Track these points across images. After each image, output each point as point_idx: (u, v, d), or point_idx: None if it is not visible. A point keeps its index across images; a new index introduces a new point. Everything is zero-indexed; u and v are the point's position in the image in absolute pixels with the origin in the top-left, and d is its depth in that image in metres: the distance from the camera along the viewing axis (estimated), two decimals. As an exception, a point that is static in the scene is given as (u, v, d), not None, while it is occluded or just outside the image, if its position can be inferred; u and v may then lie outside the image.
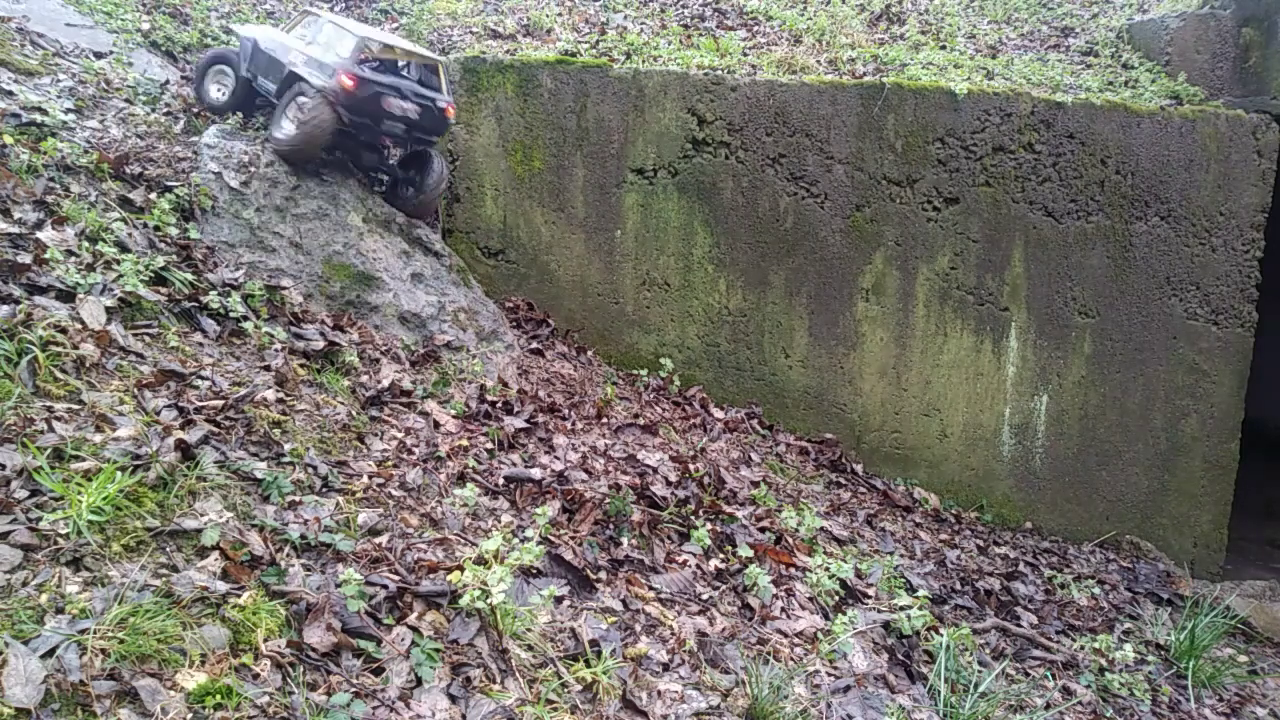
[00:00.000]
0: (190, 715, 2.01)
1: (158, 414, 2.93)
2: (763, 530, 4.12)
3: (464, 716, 2.39)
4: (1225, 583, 6.06)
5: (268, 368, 3.58)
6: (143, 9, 6.15)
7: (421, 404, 3.97)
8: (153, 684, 2.04)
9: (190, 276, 3.83)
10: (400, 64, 4.71)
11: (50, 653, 1.98)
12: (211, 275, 3.96)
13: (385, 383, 3.93)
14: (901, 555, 4.80)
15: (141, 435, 2.76)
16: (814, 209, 5.83)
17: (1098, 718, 3.96)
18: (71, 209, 3.72)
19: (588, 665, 2.75)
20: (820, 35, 6.73)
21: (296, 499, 2.92)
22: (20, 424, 2.58)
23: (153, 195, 4.19)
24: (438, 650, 2.55)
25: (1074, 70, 6.85)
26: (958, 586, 4.75)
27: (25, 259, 3.27)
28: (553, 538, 3.33)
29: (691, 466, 4.34)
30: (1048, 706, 3.84)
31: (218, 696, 2.08)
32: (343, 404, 3.65)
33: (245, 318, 3.80)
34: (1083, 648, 4.48)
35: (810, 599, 3.76)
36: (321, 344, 3.93)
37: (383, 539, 2.93)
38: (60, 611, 2.10)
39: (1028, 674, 4.12)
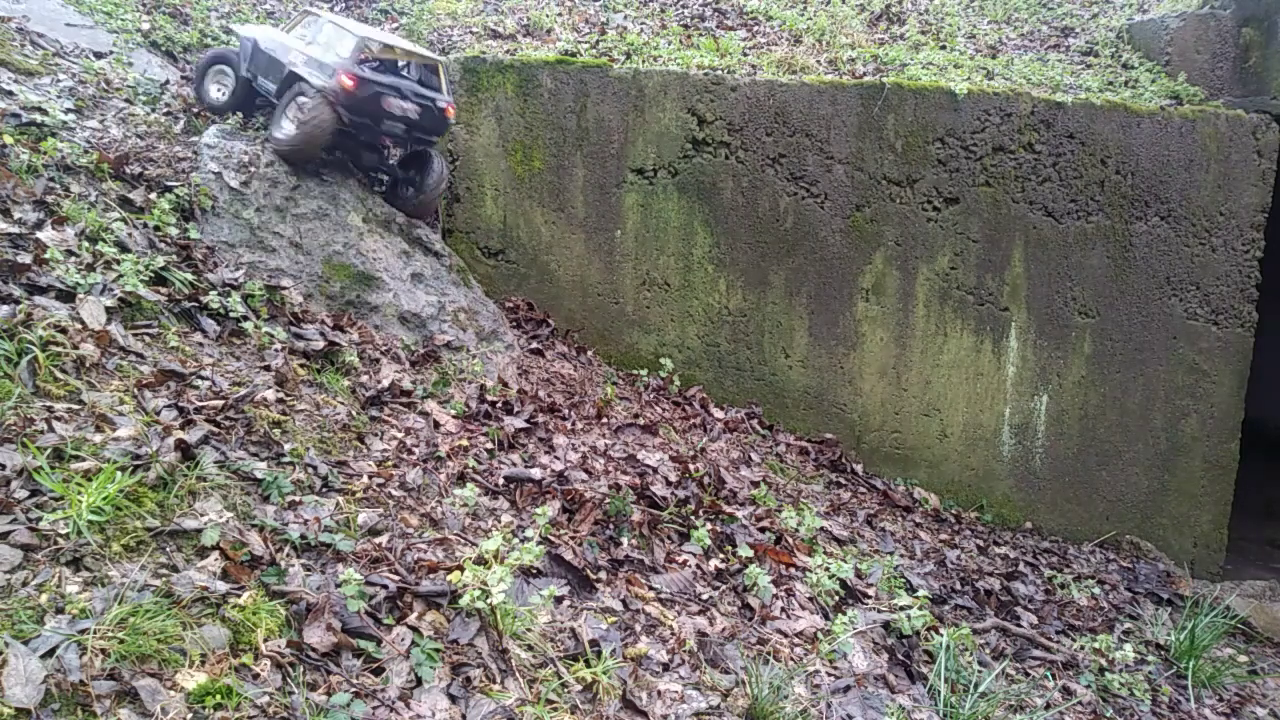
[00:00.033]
0: (190, 715, 2.01)
1: (158, 414, 2.93)
2: (763, 530, 4.12)
3: (464, 716, 2.39)
4: (1225, 583, 6.06)
5: (268, 368, 3.58)
6: (143, 9, 6.15)
7: (421, 404, 3.97)
8: (153, 684, 2.04)
9: (190, 276, 3.83)
10: (400, 64, 4.71)
11: (50, 653, 1.98)
12: (211, 275, 3.96)
13: (385, 383, 3.93)
14: (901, 555, 4.80)
15: (141, 435, 2.76)
16: (814, 209, 5.83)
17: (1098, 718, 3.96)
18: (71, 209, 3.72)
19: (588, 665, 2.75)
20: (820, 35, 6.73)
21: (296, 499, 2.92)
22: (20, 424, 2.58)
23: (153, 195, 4.19)
24: (438, 650, 2.55)
25: (1074, 70, 6.85)
26: (958, 586, 4.75)
27: (25, 259, 3.27)
28: (553, 538, 3.33)
29: (691, 466, 4.34)
30: (1048, 706, 3.84)
31: (218, 696, 2.08)
32: (343, 404, 3.65)
33: (245, 318, 3.80)
34: (1083, 648, 4.48)
35: (810, 599, 3.76)
36: (321, 344, 3.93)
37: (383, 539, 2.93)
38: (60, 611, 2.10)
39: (1028, 674, 4.12)
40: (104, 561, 2.30)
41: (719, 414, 5.52)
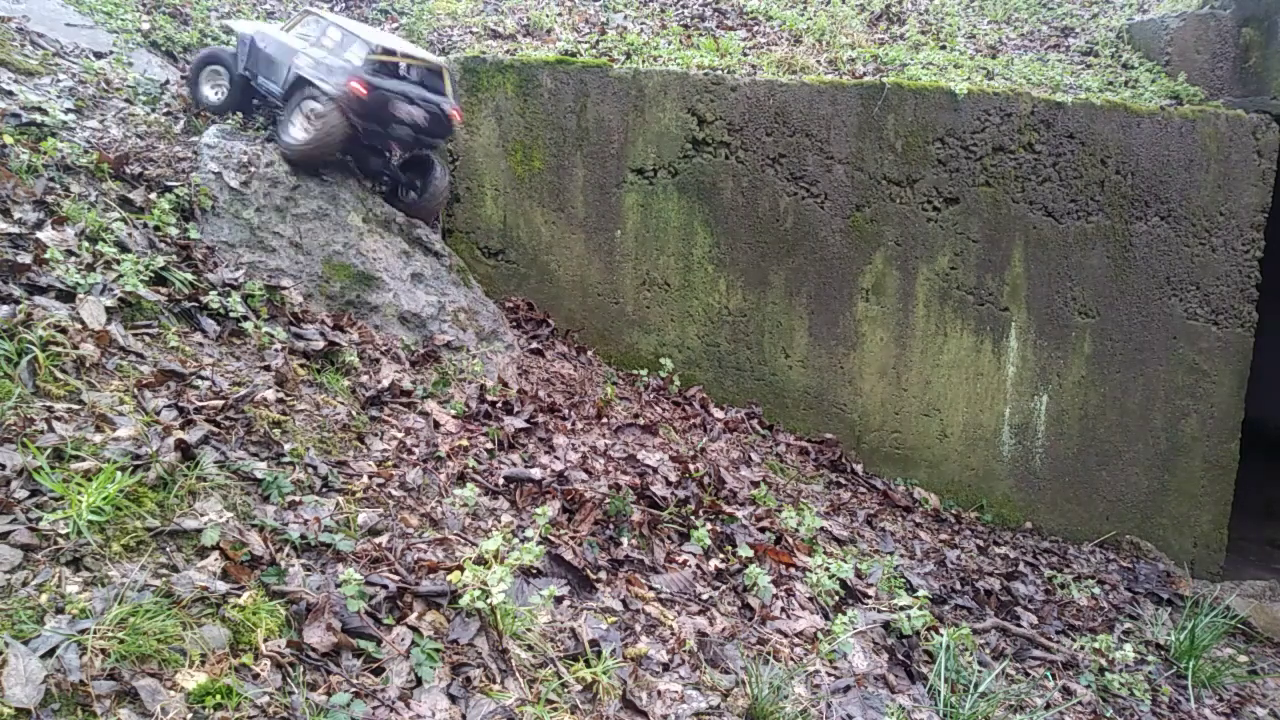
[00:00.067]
0: (190, 715, 2.01)
1: (158, 414, 2.93)
2: (763, 530, 4.12)
3: (464, 716, 2.39)
4: (1225, 583, 6.06)
5: (268, 368, 3.58)
6: (143, 9, 6.15)
7: (421, 404, 3.97)
8: (153, 684, 2.04)
9: (190, 276, 3.83)
10: (409, 69, 4.71)
11: (50, 653, 1.98)
12: (211, 275, 3.96)
13: (385, 383, 3.93)
14: (901, 555, 4.80)
15: (141, 435, 2.76)
16: (814, 209, 5.83)
17: (1098, 718, 3.96)
18: (71, 209, 3.72)
19: (588, 665, 2.75)
20: (820, 35, 6.73)
21: (296, 499, 2.92)
22: (20, 424, 2.58)
23: (153, 195, 4.19)
24: (438, 650, 2.55)
25: (1074, 70, 6.85)
26: (958, 586, 4.75)
27: (25, 259, 3.27)
28: (553, 538, 3.33)
29: (691, 466, 4.34)
30: (1048, 706, 3.84)
31: (218, 696, 2.08)
32: (343, 404, 3.65)
33: (245, 318, 3.80)
34: (1083, 648, 4.48)
35: (810, 599, 3.76)
36: (321, 344, 3.93)
37: (383, 539, 2.93)
38: (60, 611, 2.10)
39: (1028, 674, 4.12)
40: (104, 561, 2.30)
41: (719, 414, 5.52)
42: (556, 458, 3.95)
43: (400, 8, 6.77)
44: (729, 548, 3.85)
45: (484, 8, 6.75)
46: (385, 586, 2.68)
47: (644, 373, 5.62)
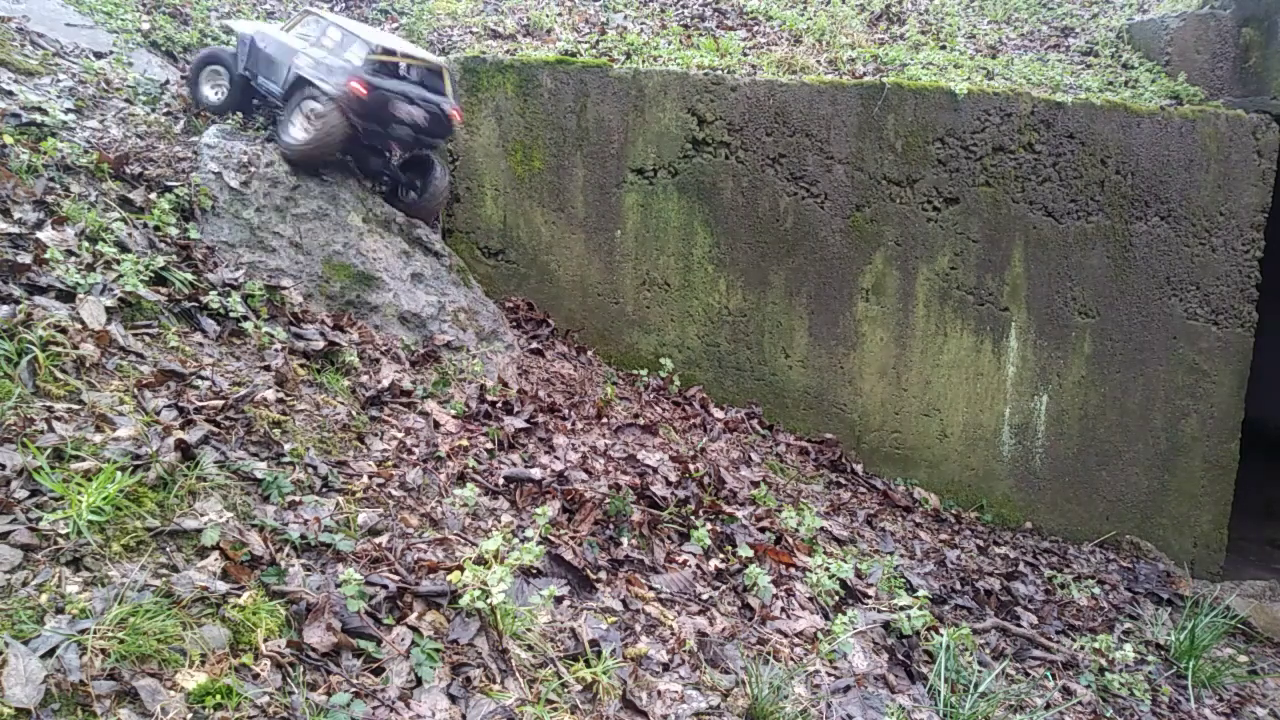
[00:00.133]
0: (190, 715, 2.01)
1: (158, 414, 2.93)
2: (763, 530, 4.12)
3: (464, 716, 2.39)
4: (1225, 583, 6.06)
5: (268, 368, 3.58)
6: (143, 9, 6.15)
7: (421, 404, 3.97)
8: (153, 684, 2.04)
9: (190, 276, 3.83)
10: (409, 69, 4.72)
11: (50, 653, 1.98)
12: (211, 275, 3.96)
13: (385, 383, 3.93)
14: (901, 555, 4.80)
15: (141, 435, 2.76)
16: (814, 209, 5.83)
17: (1098, 718, 3.96)
18: (71, 209, 3.72)
19: (588, 665, 2.75)
20: (820, 35, 6.73)
21: (296, 499, 2.92)
22: (20, 424, 2.58)
23: (153, 195, 4.19)
24: (438, 650, 2.55)
25: (1074, 70, 6.85)
26: (958, 586, 4.75)
27: (25, 259, 3.27)
28: (553, 538, 3.33)
29: (691, 466, 4.34)
30: (1048, 706, 3.84)
31: (218, 696, 2.08)
32: (343, 404, 3.65)
33: (245, 318, 3.80)
34: (1083, 648, 4.48)
35: (810, 599, 3.76)
36: (321, 344, 3.94)
37: (383, 539, 2.93)
38: (60, 611, 2.10)
39: (1028, 674, 4.12)
40: (104, 561, 2.30)
41: (719, 414, 5.52)
42: (556, 458, 3.95)
43: (400, 8, 6.77)
44: (729, 548, 3.85)
45: (484, 8, 6.75)
46: (385, 586, 2.68)
47: (644, 373, 5.62)
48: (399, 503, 3.20)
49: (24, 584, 2.14)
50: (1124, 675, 4.28)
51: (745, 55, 6.26)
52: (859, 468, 5.82)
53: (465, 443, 3.75)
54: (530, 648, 2.75)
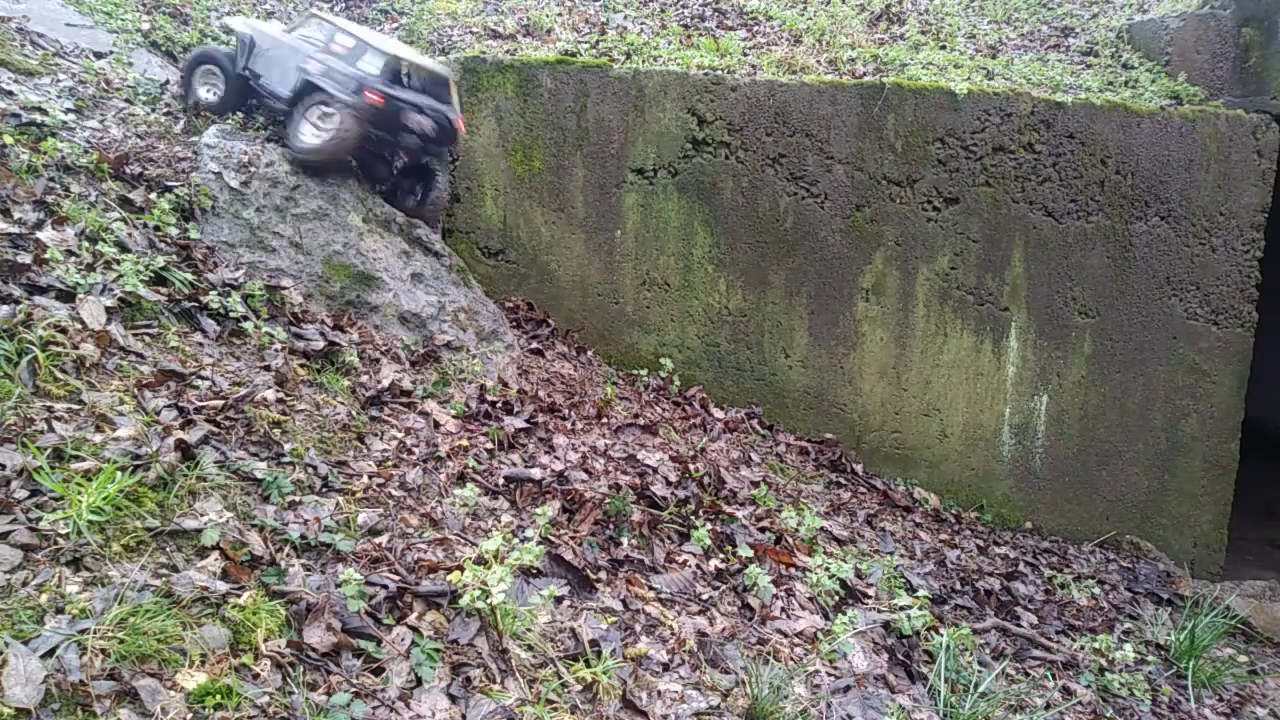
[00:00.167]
0: (190, 715, 2.01)
1: (158, 414, 2.93)
2: (763, 530, 4.12)
3: (464, 716, 2.39)
4: (1225, 583, 6.06)
5: (268, 368, 3.58)
6: (143, 9, 6.15)
7: (421, 404, 3.97)
8: (153, 684, 2.04)
9: (190, 276, 3.83)
10: (419, 79, 4.75)
11: (50, 653, 1.98)
12: (211, 275, 3.96)
13: (385, 383, 3.93)
14: (901, 555, 4.80)
15: (141, 435, 2.76)
16: (814, 209, 5.83)
17: (1098, 718, 3.96)
18: (71, 209, 3.72)
19: (588, 665, 2.75)
20: (820, 35, 6.73)
21: (296, 499, 2.92)
22: (20, 424, 2.58)
23: (153, 195, 4.19)
24: (438, 650, 2.55)
25: (1074, 70, 6.84)
26: (958, 586, 4.75)
27: (25, 259, 3.27)
28: (553, 538, 3.33)
29: (691, 466, 4.34)
30: (1048, 706, 3.84)
31: (218, 696, 2.08)
32: (343, 404, 3.65)
33: (245, 318, 3.80)
34: (1083, 648, 4.48)
35: (810, 599, 3.76)
36: (321, 344, 3.93)
37: (383, 539, 2.93)
38: (60, 611, 2.10)
39: (1028, 674, 4.12)
40: (104, 561, 2.30)
41: (719, 414, 5.52)
42: (556, 458, 3.95)
43: (400, 8, 6.77)
44: (729, 548, 3.85)
45: (484, 8, 6.75)
46: (385, 586, 2.68)
47: (644, 373, 5.62)
48: (399, 503, 3.20)
49: (24, 584, 2.14)
50: (1124, 675, 4.28)
51: (745, 55, 6.26)
52: (859, 468, 5.82)
53: (465, 443, 3.75)
54: (530, 648, 2.75)
